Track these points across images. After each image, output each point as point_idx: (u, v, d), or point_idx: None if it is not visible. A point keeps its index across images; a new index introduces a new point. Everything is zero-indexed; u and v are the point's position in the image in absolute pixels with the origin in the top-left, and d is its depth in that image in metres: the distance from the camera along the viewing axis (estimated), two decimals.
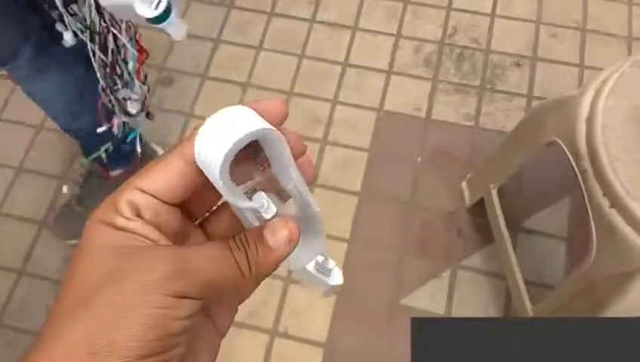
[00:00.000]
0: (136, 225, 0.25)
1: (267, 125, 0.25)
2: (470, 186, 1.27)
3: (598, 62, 1.45)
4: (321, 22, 1.54)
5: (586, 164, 0.78)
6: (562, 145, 0.83)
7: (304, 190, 0.28)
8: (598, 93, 0.80)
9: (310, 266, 0.29)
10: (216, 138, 0.24)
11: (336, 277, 0.30)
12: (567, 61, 1.47)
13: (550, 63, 1.47)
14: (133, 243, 0.24)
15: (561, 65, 1.47)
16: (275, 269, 0.26)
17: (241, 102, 1.60)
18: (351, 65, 1.48)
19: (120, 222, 0.25)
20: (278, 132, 0.25)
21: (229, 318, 0.29)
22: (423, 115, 1.42)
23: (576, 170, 0.80)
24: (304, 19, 1.54)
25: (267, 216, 0.27)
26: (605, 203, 0.75)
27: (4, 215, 1.32)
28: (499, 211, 1.13)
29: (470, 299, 1.21)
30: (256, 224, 0.27)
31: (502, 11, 1.55)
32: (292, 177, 0.27)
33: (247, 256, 0.25)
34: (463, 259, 1.24)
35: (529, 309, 1.02)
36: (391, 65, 1.48)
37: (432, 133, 1.39)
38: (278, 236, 0.26)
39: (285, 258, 0.26)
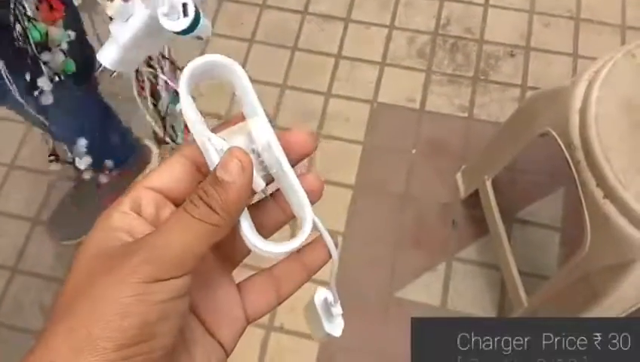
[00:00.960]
0: (130, 218, 0.26)
1: (227, 60, 0.27)
2: (464, 178, 1.27)
3: (591, 51, 1.44)
4: (313, 14, 1.53)
5: (580, 154, 0.77)
6: (555, 135, 0.83)
7: (273, 141, 0.27)
8: (590, 83, 0.80)
9: (317, 299, 0.29)
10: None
11: (336, 328, 0.29)
12: (560, 50, 1.47)
13: (544, 53, 1.47)
14: (115, 244, 0.25)
15: (555, 54, 1.46)
16: (241, 204, 0.25)
17: (233, 96, 1.58)
18: (344, 58, 1.48)
19: (115, 218, 0.26)
20: (235, 62, 0.27)
21: (232, 330, 0.29)
22: (417, 106, 1.41)
23: (570, 160, 0.79)
24: (296, 11, 1.53)
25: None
26: (599, 193, 0.75)
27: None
28: (493, 202, 1.13)
29: (465, 290, 1.21)
30: None
31: (495, 1, 1.54)
32: (257, 112, 0.27)
33: (209, 205, 0.25)
34: (458, 251, 1.24)
35: (524, 300, 1.02)
36: (384, 56, 1.47)
37: (426, 125, 1.39)
38: (229, 168, 0.25)
39: (246, 188, 0.25)
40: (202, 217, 0.24)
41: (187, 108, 0.26)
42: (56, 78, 0.76)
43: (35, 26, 0.71)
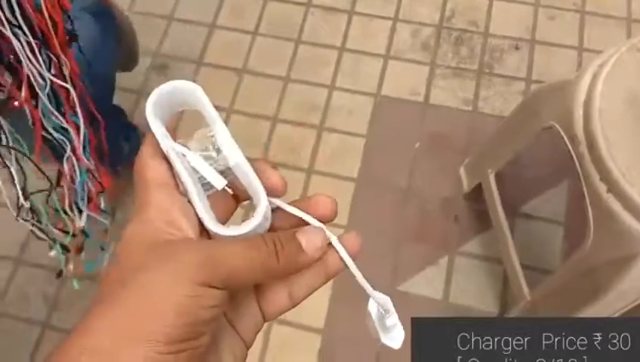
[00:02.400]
0: (166, 205, 0.27)
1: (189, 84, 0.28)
2: (468, 172, 1.26)
3: (597, 44, 1.44)
4: (317, 6, 1.52)
5: (583, 148, 0.77)
6: (559, 129, 0.83)
7: (227, 142, 0.28)
8: (595, 77, 0.79)
9: (372, 309, 0.29)
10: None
11: (394, 339, 0.30)
12: (566, 44, 1.46)
13: (549, 46, 1.46)
14: (163, 237, 0.25)
15: (560, 48, 1.46)
16: (296, 272, 0.27)
17: (237, 88, 1.58)
18: (347, 50, 1.47)
19: (152, 205, 0.26)
20: (197, 87, 0.28)
21: (254, 327, 0.29)
22: (420, 99, 1.40)
23: (573, 154, 0.79)
24: (300, 4, 1.53)
25: (199, 167, 0.27)
26: (602, 187, 0.74)
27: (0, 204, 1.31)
28: (496, 196, 1.13)
29: (468, 284, 1.21)
30: (192, 187, 0.27)
31: None
32: (218, 131, 0.28)
33: (275, 246, 0.26)
34: (461, 245, 1.24)
35: (526, 293, 1.02)
36: (388, 49, 1.47)
37: (429, 119, 1.38)
38: (311, 239, 0.28)
39: (314, 260, 0.28)
40: (266, 250, 0.26)
41: (152, 123, 0.27)
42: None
43: None
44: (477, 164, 1.22)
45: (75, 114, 0.69)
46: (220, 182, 0.27)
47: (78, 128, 0.71)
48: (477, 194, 1.21)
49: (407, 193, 1.30)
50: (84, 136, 0.72)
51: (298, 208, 0.29)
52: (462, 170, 1.28)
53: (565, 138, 0.81)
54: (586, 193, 0.78)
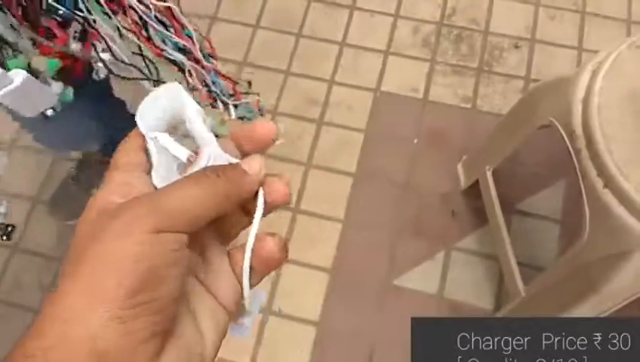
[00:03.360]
0: (135, 174, 0.27)
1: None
2: (466, 168, 1.27)
3: (596, 44, 1.44)
4: (318, 1, 1.52)
5: (581, 144, 0.77)
6: (558, 125, 0.83)
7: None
8: (594, 73, 0.80)
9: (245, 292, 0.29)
10: None
11: (236, 330, 0.30)
12: (565, 44, 1.46)
13: (549, 46, 1.47)
14: (115, 201, 0.26)
15: (560, 47, 1.46)
16: (247, 194, 0.27)
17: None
18: (348, 45, 1.47)
19: (112, 184, 0.27)
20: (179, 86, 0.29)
21: (230, 293, 0.29)
22: (420, 96, 1.41)
23: (571, 150, 0.79)
24: None
25: (180, 154, 0.28)
26: (599, 183, 0.75)
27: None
28: (493, 193, 1.13)
29: (463, 280, 1.21)
30: (157, 165, 0.28)
31: None
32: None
33: (217, 174, 0.26)
34: (457, 241, 1.24)
35: (521, 289, 1.03)
36: (388, 45, 1.47)
37: (429, 115, 1.39)
38: (251, 164, 0.28)
39: (254, 186, 0.28)
40: (218, 182, 0.26)
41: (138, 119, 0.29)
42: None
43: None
44: (475, 160, 1.23)
45: (183, 27, 0.72)
46: (183, 154, 0.28)
47: (192, 40, 0.74)
48: (474, 190, 1.21)
49: (405, 188, 1.30)
50: (200, 45, 0.75)
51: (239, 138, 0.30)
52: (460, 167, 1.28)
53: (564, 134, 0.82)
54: (582, 189, 0.78)
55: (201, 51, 0.76)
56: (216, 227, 0.29)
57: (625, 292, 0.81)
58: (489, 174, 1.14)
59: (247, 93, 0.94)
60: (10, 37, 0.67)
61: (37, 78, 0.70)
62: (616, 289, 0.79)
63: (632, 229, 0.73)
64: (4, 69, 0.66)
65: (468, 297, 1.19)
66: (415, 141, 1.35)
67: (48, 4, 0.64)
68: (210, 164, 0.28)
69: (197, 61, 0.76)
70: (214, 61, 0.80)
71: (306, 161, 1.34)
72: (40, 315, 0.24)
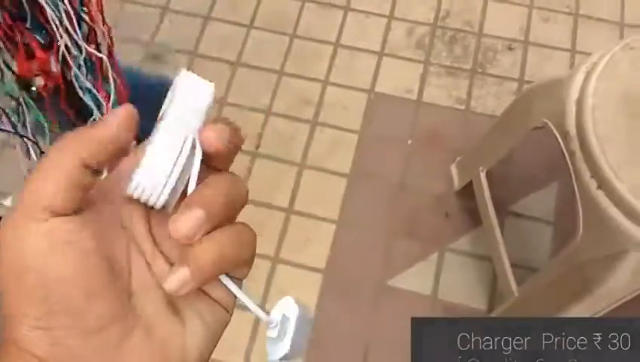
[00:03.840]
0: None
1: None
2: (459, 169, 1.27)
3: (589, 47, 1.45)
4: (312, 1, 1.52)
5: (575, 145, 0.78)
6: (552, 126, 0.83)
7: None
8: (588, 74, 0.80)
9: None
10: None
11: (272, 352, 0.28)
12: (559, 46, 1.47)
13: (542, 48, 1.47)
14: None
15: (553, 49, 1.47)
16: (112, 145, 0.25)
17: (230, 81, 1.57)
18: (342, 46, 1.47)
19: None
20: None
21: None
22: (414, 97, 1.41)
23: (565, 151, 0.80)
24: None
25: None
26: (593, 184, 0.75)
27: None
28: (487, 194, 1.14)
29: (457, 281, 1.21)
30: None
31: None
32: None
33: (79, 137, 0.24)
34: (451, 242, 1.25)
35: (514, 290, 1.03)
36: (383, 46, 1.47)
37: (422, 116, 1.39)
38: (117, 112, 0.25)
39: (124, 133, 0.25)
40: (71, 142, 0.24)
41: None
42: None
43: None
44: (469, 161, 1.23)
45: (107, 81, 0.70)
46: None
47: (108, 96, 0.72)
48: (468, 191, 1.22)
49: (399, 189, 1.30)
50: (114, 104, 0.73)
51: None
52: (453, 168, 1.28)
53: (557, 135, 0.82)
54: (576, 189, 0.78)
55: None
56: None
57: (618, 293, 0.81)
58: (483, 175, 1.14)
59: None
60: None
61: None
62: (609, 290, 0.80)
63: (625, 230, 0.73)
64: None
65: (461, 298, 1.19)
66: (409, 142, 1.35)
67: (31, 22, 0.62)
68: (156, 152, 0.25)
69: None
70: None
71: (300, 161, 1.33)
72: None
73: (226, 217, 0.25)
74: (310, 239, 1.24)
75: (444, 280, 1.21)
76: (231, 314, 0.27)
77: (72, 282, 0.23)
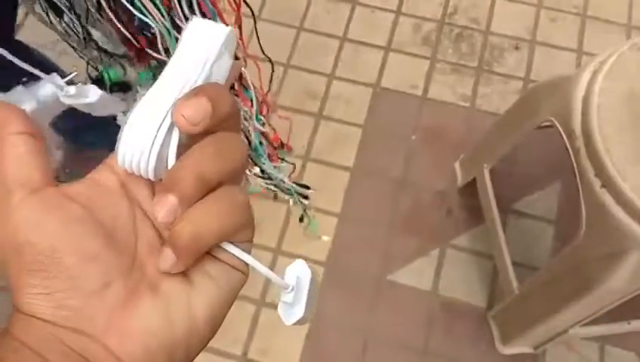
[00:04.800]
0: None
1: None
2: (463, 166, 1.27)
3: (596, 48, 1.45)
4: None
5: (580, 143, 0.78)
6: (557, 124, 0.83)
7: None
8: (595, 73, 0.80)
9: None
10: None
11: (288, 315, 0.27)
12: (565, 46, 1.47)
13: (549, 48, 1.47)
14: None
15: (560, 50, 1.47)
16: None
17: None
18: (349, 40, 1.47)
19: None
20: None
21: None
22: (419, 93, 1.41)
23: (570, 149, 0.80)
24: None
25: None
26: (597, 182, 0.75)
27: None
28: (490, 191, 1.14)
29: (457, 277, 1.21)
30: None
31: None
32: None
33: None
34: (452, 238, 1.25)
35: (515, 288, 1.03)
36: (389, 42, 1.47)
37: (427, 112, 1.39)
38: None
39: None
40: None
41: None
42: None
43: None
44: (473, 158, 1.23)
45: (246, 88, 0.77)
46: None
47: (251, 103, 0.82)
48: (470, 188, 1.22)
49: (402, 184, 1.30)
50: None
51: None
52: (457, 165, 1.28)
53: (563, 133, 0.82)
54: (580, 188, 0.79)
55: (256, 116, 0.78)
56: None
57: (619, 292, 0.81)
58: (486, 172, 1.14)
59: (282, 160, 1.02)
60: (107, 46, 0.69)
61: (130, 88, 0.73)
62: (610, 289, 0.80)
63: (628, 229, 0.73)
64: (101, 76, 0.69)
65: (461, 295, 1.20)
66: (413, 138, 1.36)
67: (140, 20, 0.66)
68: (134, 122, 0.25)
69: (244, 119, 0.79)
70: (263, 124, 0.81)
71: (304, 154, 1.33)
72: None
73: (218, 184, 0.25)
74: (312, 232, 1.24)
75: (445, 277, 1.21)
76: (246, 275, 0.27)
77: (65, 249, 0.23)
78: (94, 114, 0.68)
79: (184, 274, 0.26)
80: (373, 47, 1.46)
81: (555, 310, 0.93)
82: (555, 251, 1.20)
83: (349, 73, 1.43)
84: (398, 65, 1.44)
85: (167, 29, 0.68)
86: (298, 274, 0.28)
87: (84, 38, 0.73)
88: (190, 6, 0.68)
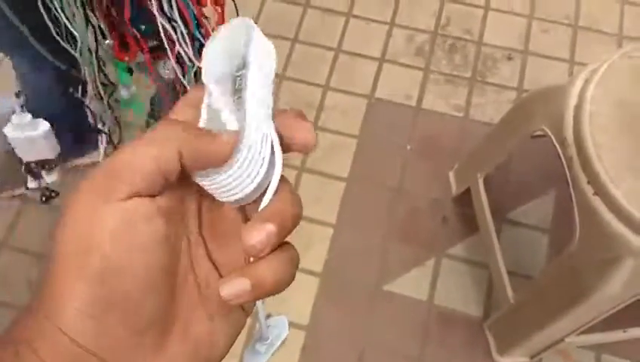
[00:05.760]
0: None
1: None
2: (457, 176, 1.28)
3: (588, 58, 1.46)
4: (315, 7, 1.53)
5: (572, 151, 0.78)
6: (550, 133, 0.84)
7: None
8: (587, 82, 0.81)
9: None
10: None
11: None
12: (557, 56, 1.48)
13: (541, 58, 1.48)
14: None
15: (552, 60, 1.48)
16: (218, 160, 0.24)
17: None
18: (343, 52, 1.48)
19: None
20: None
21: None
22: (413, 103, 1.42)
23: (562, 157, 0.80)
24: (298, 4, 1.54)
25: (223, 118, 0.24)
26: (589, 190, 0.76)
27: None
28: (484, 201, 1.14)
29: (453, 286, 1.21)
30: (203, 121, 0.25)
31: (495, 4, 1.55)
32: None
33: (188, 137, 0.23)
34: (448, 248, 1.25)
35: (510, 297, 1.03)
36: (383, 53, 1.48)
37: (421, 123, 1.40)
38: (221, 138, 0.24)
39: (224, 153, 0.23)
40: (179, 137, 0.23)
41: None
42: None
43: None
44: (467, 168, 1.24)
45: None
46: (233, 125, 0.24)
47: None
48: (466, 198, 1.22)
49: (397, 194, 1.31)
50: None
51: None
52: (451, 174, 1.29)
53: (555, 141, 0.83)
54: (573, 196, 0.79)
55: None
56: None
57: (614, 300, 0.82)
58: (480, 181, 1.15)
59: None
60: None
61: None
62: (605, 297, 0.80)
63: (620, 236, 0.74)
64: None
65: (457, 304, 1.20)
66: (408, 148, 1.36)
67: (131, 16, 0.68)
68: (248, 157, 0.23)
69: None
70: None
71: (299, 164, 1.34)
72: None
73: (287, 236, 0.24)
74: (308, 242, 1.24)
75: (441, 286, 1.21)
76: (249, 315, 0.28)
77: (133, 272, 0.22)
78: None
79: (210, 313, 0.25)
80: (367, 58, 1.47)
81: (551, 318, 0.93)
82: (550, 260, 1.21)
83: (344, 84, 1.44)
84: (393, 76, 1.45)
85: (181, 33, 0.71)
86: (280, 330, 0.29)
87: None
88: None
